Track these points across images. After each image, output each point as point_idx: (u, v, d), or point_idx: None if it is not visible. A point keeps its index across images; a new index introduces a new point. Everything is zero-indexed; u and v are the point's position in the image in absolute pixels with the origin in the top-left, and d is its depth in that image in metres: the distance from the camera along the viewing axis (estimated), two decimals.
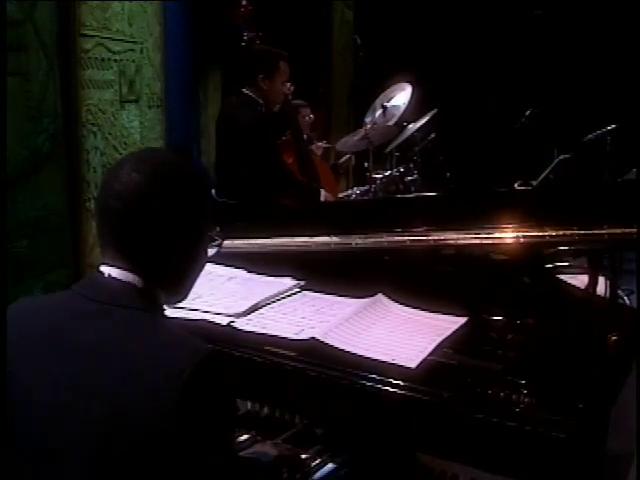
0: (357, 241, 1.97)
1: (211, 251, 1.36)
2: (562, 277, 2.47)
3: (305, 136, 5.15)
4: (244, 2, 3.94)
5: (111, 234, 1.19)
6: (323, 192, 3.84)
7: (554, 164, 5.32)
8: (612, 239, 1.63)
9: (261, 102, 3.71)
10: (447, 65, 7.38)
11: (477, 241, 1.84)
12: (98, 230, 1.23)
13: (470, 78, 7.23)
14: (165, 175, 1.21)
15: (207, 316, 1.78)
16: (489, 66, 7.23)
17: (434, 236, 1.91)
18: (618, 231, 1.62)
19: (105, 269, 1.20)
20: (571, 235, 1.63)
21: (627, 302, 5.12)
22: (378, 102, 5.30)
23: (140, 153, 1.32)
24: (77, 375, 1.11)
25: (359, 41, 6.33)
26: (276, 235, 2.08)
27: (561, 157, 5.38)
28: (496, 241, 1.79)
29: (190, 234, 1.24)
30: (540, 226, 1.74)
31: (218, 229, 1.50)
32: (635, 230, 1.61)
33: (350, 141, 5.03)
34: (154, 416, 1.05)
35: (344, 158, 5.63)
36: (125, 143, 3.44)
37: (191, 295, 1.35)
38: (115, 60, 3.31)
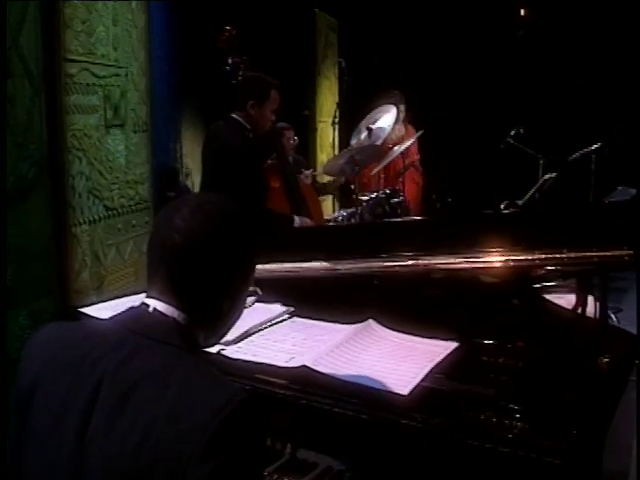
0: (346, 266, 1.97)
1: (250, 299, 1.39)
2: (549, 297, 2.49)
3: (291, 158, 5.18)
4: (227, 27, 3.96)
5: (165, 268, 1.20)
6: (297, 219, 3.83)
7: (540, 183, 5.38)
8: (602, 262, 1.64)
9: (249, 127, 3.73)
10: (432, 86, 7.47)
11: (466, 265, 1.85)
12: (149, 262, 1.24)
13: (455, 99, 7.31)
14: (226, 218, 1.24)
15: None
16: (474, 87, 7.31)
17: (423, 260, 1.92)
18: (608, 254, 1.63)
19: (151, 302, 1.21)
20: (560, 258, 1.65)
21: (615, 320, 5.17)
22: (363, 124, 5.33)
23: (200, 196, 1.42)
24: (112, 406, 1.10)
25: (344, 64, 6.37)
26: (265, 260, 2.08)
27: (546, 176, 5.44)
28: (485, 265, 1.80)
29: (240, 277, 1.27)
30: (529, 249, 1.75)
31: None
32: (625, 252, 1.63)
33: (336, 164, 5.05)
34: (183, 458, 1.03)
35: (332, 179, 5.66)
36: (111, 168, 3.43)
37: None
38: (100, 85, 3.31)
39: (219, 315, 1.27)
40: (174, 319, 1.19)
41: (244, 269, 1.28)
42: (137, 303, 1.23)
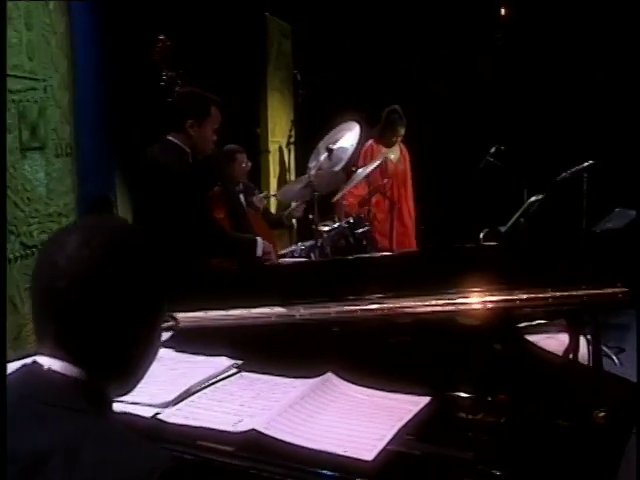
0: (301, 312, 1.98)
1: (165, 334, 1.35)
2: (537, 338, 2.51)
3: (241, 185, 5.19)
4: (162, 36, 3.94)
5: (52, 319, 1.15)
6: (260, 241, 3.84)
7: (525, 207, 5.46)
8: (592, 301, 1.68)
9: (188, 151, 3.72)
10: (399, 101, 7.53)
11: (438, 308, 1.87)
12: (35, 314, 1.19)
13: (425, 114, 7.40)
14: (119, 250, 1.19)
15: (127, 408, 1.74)
16: (446, 100, 7.42)
17: (390, 304, 1.93)
18: (598, 292, 1.66)
19: (44, 360, 1.16)
20: (544, 299, 1.67)
21: (616, 361, 5.24)
22: (323, 144, 5.37)
23: (89, 222, 1.30)
24: None
25: (299, 76, 6.44)
26: (208, 307, 2.07)
27: (532, 199, 5.53)
28: (460, 307, 1.82)
29: (145, 317, 1.22)
30: (509, 289, 1.78)
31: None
32: (619, 290, 1.66)
33: (292, 190, 5.08)
34: None
35: (289, 209, 5.68)
36: (28, 199, 3.40)
37: None
38: (13, 100, 3.27)
39: (127, 364, 1.23)
40: (75, 378, 1.15)
41: (151, 307, 1.23)
42: (29, 361, 1.18)
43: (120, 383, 1.24)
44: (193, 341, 2.07)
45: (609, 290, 1.63)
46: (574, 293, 1.65)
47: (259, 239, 3.82)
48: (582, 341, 1.97)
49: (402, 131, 6.14)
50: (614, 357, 5.30)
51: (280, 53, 7.34)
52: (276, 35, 7.24)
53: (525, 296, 1.70)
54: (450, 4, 7.56)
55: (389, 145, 6.20)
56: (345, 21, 7.65)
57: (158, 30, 4.08)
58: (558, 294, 1.67)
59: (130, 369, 1.25)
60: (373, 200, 5.81)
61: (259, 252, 3.74)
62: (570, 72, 7.31)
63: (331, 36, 7.65)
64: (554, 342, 2.29)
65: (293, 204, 5.61)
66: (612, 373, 1.96)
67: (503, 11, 7.99)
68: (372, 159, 5.92)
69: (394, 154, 6.22)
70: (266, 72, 7.01)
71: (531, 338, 2.48)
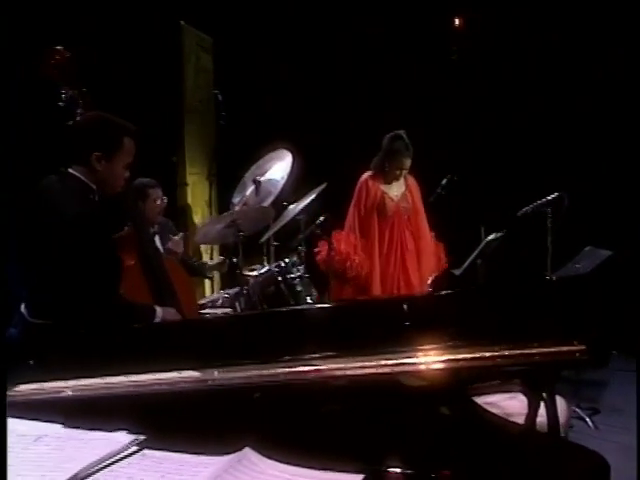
0: (216, 376, 1.96)
1: None
2: (498, 397, 2.53)
3: (156, 226, 5.14)
4: (59, 47, 3.85)
5: None
6: (160, 311, 3.75)
7: (482, 246, 5.54)
8: (545, 361, 1.70)
9: (93, 187, 3.63)
10: (336, 127, 7.58)
11: (376, 370, 1.88)
12: None
13: (366, 142, 7.47)
14: None
15: None
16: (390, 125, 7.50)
17: (321, 365, 1.93)
18: (552, 350, 1.69)
19: None
20: (492, 358, 1.70)
21: (590, 425, 5.29)
22: (249, 176, 5.40)
23: None
24: None
25: (221, 97, 6.45)
26: (106, 372, 2.04)
27: (490, 237, 5.61)
28: (400, 369, 1.83)
29: None
30: (454, 347, 1.80)
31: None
32: (576, 348, 1.69)
33: (213, 230, 5.06)
34: None
35: (216, 260, 5.67)
36: None
37: None
38: None
39: None
40: None
41: None
42: None
43: None
44: (87, 414, 2.03)
45: (565, 348, 1.66)
46: (525, 352, 1.68)
47: (158, 310, 3.73)
48: (558, 400, 1.99)
49: (408, 163, 5.85)
50: (588, 420, 5.37)
51: (200, 70, 7.33)
52: (194, 48, 7.23)
53: (470, 355, 1.72)
54: (395, 14, 7.68)
55: (391, 180, 5.93)
56: (276, 33, 7.68)
57: (54, 37, 4.02)
58: (507, 353, 1.69)
59: None
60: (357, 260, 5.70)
61: None
62: (535, 89, 7.49)
63: (259, 51, 7.68)
64: (516, 403, 2.32)
65: (216, 259, 5.60)
66: (577, 444, 1.97)
67: (457, 22, 8.12)
68: (368, 198, 5.84)
69: (396, 189, 5.95)
70: (183, 91, 6.99)
71: (490, 399, 2.52)
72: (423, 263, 5.94)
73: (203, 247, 6.75)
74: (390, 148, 5.83)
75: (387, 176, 5.89)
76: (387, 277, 5.81)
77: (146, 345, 2.23)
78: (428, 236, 6.03)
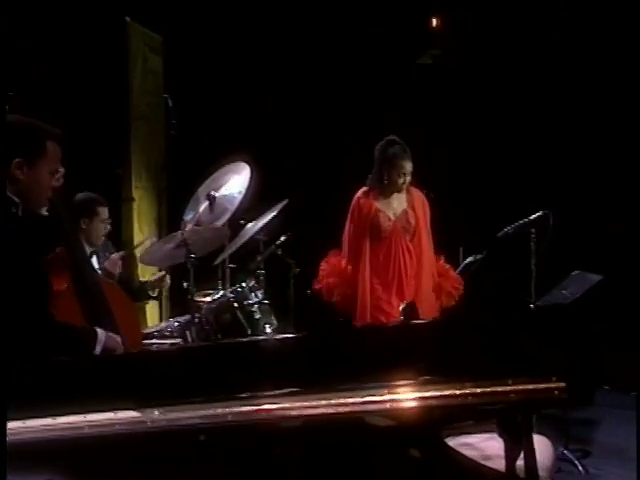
0: (156, 416, 1.94)
1: None
2: (477, 438, 2.53)
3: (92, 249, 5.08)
4: None
5: None
6: (102, 334, 3.71)
7: (460, 269, 5.55)
8: (523, 399, 1.70)
9: (17, 201, 3.61)
10: (300, 137, 7.57)
11: (337, 409, 1.87)
12: None
13: (331, 154, 7.49)
14: None
15: None
16: (361, 135, 7.51)
17: (275, 403, 1.92)
18: (529, 387, 1.69)
19: None
20: (462, 396, 1.69)
21: (580, 469, 5.28)
22: (203, 191, 5.37)
23: None
24: None
25: (171, 103, 6.41)
26: (28, 413, 2.01)
27: (469, 260, 5.64)
28: (359, 408, 1.82)
29: None
30: (422, 383, 1.79)
31: None
32: (555, 385, 1.69)
33: (161, 250, 5.03)
34: None
35: (156, 276, 5.62)
36: None
37: None
38: None
39: None
40: None
41: None
42: None
43: None
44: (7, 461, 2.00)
45: (543, 385, 1.66)
46: (499, 389, 1.68)
47: (100, 333, 3.69)
48: (542, 441, 2.00)
49: (409, 167, 5.45)
50: (577, 463, 5.35)
51: (147, 71, 7.28)
52: (141, 48, 7.16)
53: (439, 393, 1.72)
54: (367, 14, 7.70)
55: (392, 192, 5.53)
56: (233, 31, 7.67)
57: None
58: (479, 390, 1.69)
59: None
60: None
61: (98, 349, 3.60)
62: (515, 100, 7.55)
63: (214, 52, 7.67)
64: (496, 444, 2.31)
65: (157, 274, 5.55)
66: None
67: (435, 22, 8.12)
68: (360, 216, 5.47)
69: (396, 206, 5.55)
70: (129, 95, 6.94)
71: (468, 439, 2.52)
72: (424, 292, 5.50)
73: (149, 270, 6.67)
74: (385, 155, 5.47)
75: (387, 189, 5.51)
76: (381, 307, 5.39)
77: (76, 381, 2.19)
78: (432, 262, 5.60)
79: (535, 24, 7.34)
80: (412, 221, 5.51)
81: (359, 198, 5.53)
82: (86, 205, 4.96)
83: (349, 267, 5.45)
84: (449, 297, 5.51)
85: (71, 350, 3.43)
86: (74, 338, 3.63)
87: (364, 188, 5.56)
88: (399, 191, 5.50)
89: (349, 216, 5.53)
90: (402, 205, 5.55)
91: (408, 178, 5.44)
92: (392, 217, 5.49)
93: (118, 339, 3.77)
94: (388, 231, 5.45)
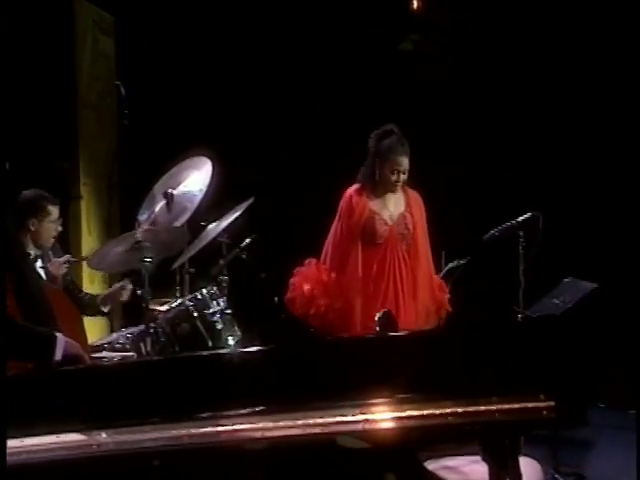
0: (104, 439, 1.93)
1: None
2: (460, 461, 2.56)
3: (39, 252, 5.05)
4: None
5: None
6: (61, 339, 3.71)
7: (442, 275, 5.57)
8: (509, 420, 1.71)
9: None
10: (267, 129, 7.58)
11: (306, 430, 1.88)
12: None
13: (300, 148, 7.49)
14: None
15: None
16: (339, 130, 7.53)
17: (238, 424, 1.93)
18: (516, 406, 1.70)
19: None
20: (441, 416, 1.69)
21: None
22: (159, 188, 5.36)
23: None
24: None
25: (124, 90, 6.39)
26: None
27: (451, 264, 5.65)
28: (331, 429, 1.83)
29: None
30: (400, 402, 1.80)
31: None
32: (544, 404, 1.70)
33: (112, 253, 5.01)
34: None
35: (112, 288, 5.59)
36: None
37: None
38: None
39: None
40: None
41: None
42: None
43: None
44: None
45: (530, 404, 1.66)
46: (482, 409, 1.68)
47: (60, 337, 3.67)
48: (530, 464, 2.01)
49: (405, 163, 5.22)
50: None
51: (98, 55, 7.24)
52: (90, 28, 7.12)
53: (417, 413, 1.72)
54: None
55: (385, 191, 5.30)
56: (193, 14, 7.65)
57: None
58: (461, 410, 1.69)
59: None
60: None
61: (58, 355, 3.59)
62: (503, 97, 7.60)
63: (172, 34, 7.62)
64: (480, 468, 2.33)
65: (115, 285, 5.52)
66: None
67: (415, 4, 8.11)
68: (351, 219, 5.19)
69: (392, 208, 5.30)
70: (76, 81, 6.89)
71: (450, 462, 2.54)
72: (419, 304, 5.27)
73: (97, 275, 6.64)
74: (379, 147, 5.23)
75: (380, 187, 5.28)
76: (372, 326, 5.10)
77: (12, 398, 2.17)
78: (428, 270, 5.41)
79: (526, 8, 7.37)
80: (410, 227, 5.30)
81: (352, 197, 5.28)
82: (35, 204, 4.90)
83: (333, 275, 5.23)
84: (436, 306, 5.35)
85: (29, 355, 3.41)
86: (32, 342, 3.61)
87: (356, 185, 5.34)
88: (393, 191, 5.30)
89: (338, 216, 5.31)
90: (399, 208, 5.35)
91: (403, 176, 5.23)
92: (389, 221, 5.28)
93: (79, 346, 3.77)
94: (384, 237, 5.23)
